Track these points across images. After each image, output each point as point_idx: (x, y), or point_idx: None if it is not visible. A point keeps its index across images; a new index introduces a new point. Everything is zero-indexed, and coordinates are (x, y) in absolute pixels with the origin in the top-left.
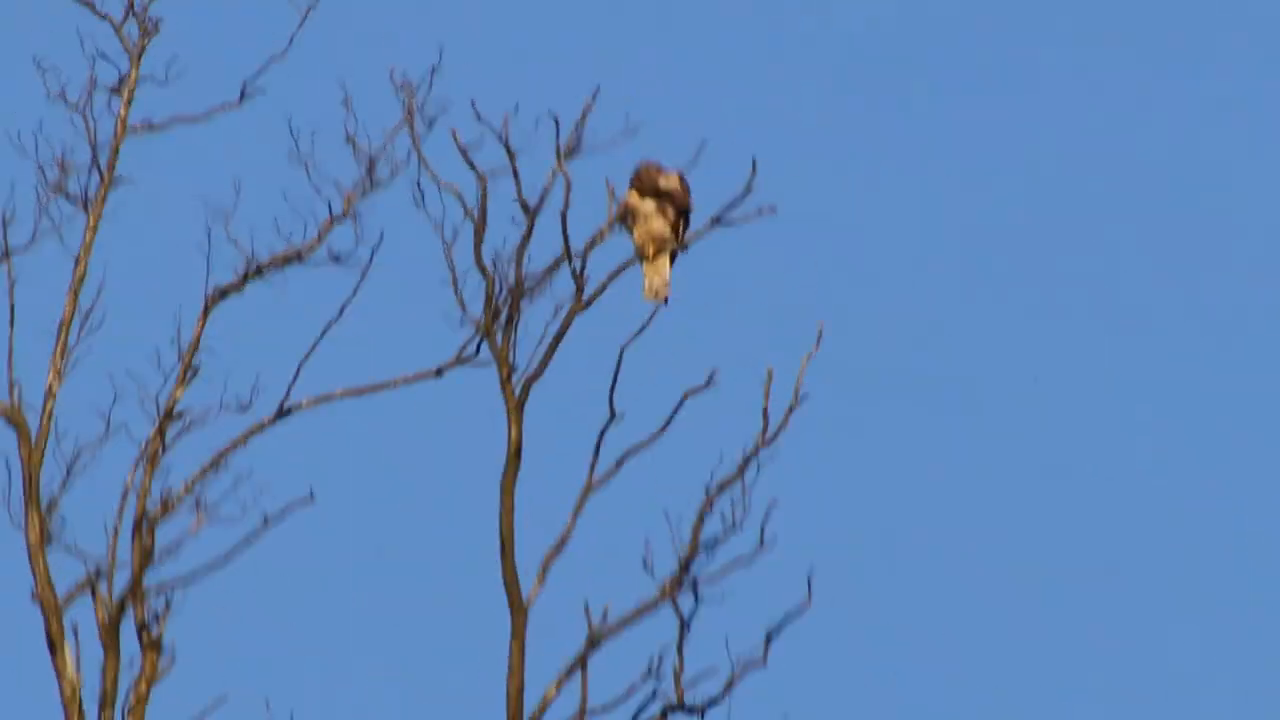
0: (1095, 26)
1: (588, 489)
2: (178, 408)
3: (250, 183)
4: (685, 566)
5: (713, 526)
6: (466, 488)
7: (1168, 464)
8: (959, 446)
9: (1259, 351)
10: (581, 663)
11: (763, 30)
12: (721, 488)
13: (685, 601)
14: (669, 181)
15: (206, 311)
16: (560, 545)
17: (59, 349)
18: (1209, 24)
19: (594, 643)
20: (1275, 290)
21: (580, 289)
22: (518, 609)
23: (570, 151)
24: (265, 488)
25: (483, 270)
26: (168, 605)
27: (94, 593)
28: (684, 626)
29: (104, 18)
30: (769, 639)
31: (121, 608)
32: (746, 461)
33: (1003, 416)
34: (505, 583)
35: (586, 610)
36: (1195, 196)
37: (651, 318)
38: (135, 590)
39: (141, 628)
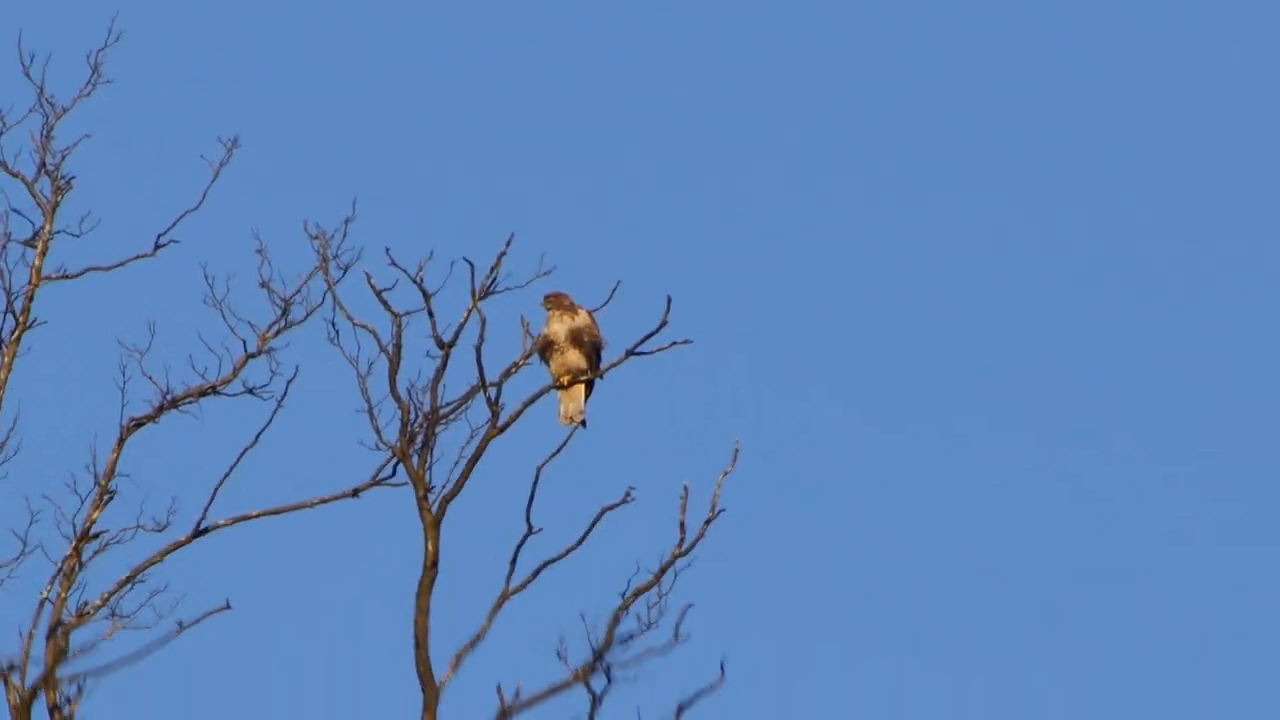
0: None
1: (504, 595)
2: (94, 529)
3: (165, 326)
4: (599, 655)
5: (629, 625)
6: (385, 601)
7: None
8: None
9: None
10: None
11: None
12: (639, 593)
13: (598, 683)
14: (580, 318)
15: (122, 441)
16: (475, 642)
17: None
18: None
19: (505, 716)
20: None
21: (496, 414)
22: (429, 687)
23: (485, 292)
24: (183, 599)
25: (397, 399)
26: (80, 690)
27: (6, 682)
28: (596, 701)
29: (16, 175)
30: (679, 712)
31: (34, 694)
32: (664, 569)
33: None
34: (419, 674)
35: (499, 690)
36: None
37: (568, 439)
38: (48, 678)
39: (53, 709)
